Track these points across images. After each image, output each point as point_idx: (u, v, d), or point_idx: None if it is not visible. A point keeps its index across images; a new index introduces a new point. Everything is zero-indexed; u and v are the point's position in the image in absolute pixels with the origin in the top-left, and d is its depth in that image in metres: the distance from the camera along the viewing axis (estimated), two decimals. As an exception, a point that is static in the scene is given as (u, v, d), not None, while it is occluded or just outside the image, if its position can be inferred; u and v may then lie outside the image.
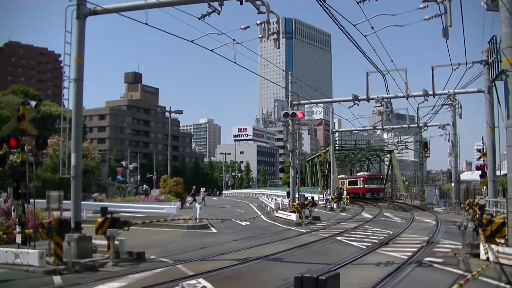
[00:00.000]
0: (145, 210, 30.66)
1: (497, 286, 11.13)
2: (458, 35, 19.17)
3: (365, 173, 77.80)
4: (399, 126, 52.16)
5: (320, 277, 5.33)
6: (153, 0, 15.30)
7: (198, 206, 28.68)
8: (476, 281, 11.06)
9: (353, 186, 69.80)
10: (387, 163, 77.38)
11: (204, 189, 59.45)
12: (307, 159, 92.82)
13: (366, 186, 68.19)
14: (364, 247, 17.75)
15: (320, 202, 45.15)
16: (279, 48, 16.70)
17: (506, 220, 12.86)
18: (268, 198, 45.85)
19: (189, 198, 48.72)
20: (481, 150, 32.88)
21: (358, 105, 32.47)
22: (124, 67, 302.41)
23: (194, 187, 51.25)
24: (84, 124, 62.37)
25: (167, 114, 67.18)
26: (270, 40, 15.47)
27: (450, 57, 24.62)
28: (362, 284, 11.00)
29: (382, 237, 20.78)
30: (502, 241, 12.98)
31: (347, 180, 74.27)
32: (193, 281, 11.52)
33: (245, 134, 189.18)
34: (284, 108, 65.10)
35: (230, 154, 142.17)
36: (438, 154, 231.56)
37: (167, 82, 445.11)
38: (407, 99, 30.83)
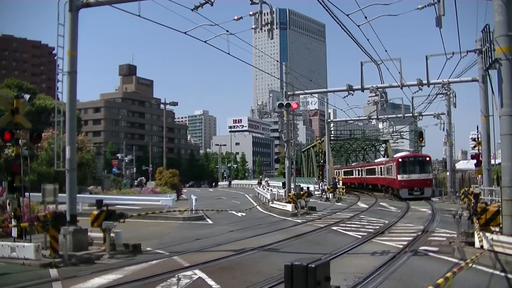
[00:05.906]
0: (141, 202, 30.74)
1: (492, 274, 11.19)
2: (452, 24, 19.20)
3: (399, 154, 51.18)
4: (394, 115, 51.98)
5: (309, 265, 5.36)
6: (145, -9, 15.22)
7: (193, 197, 28.71)
8: (471, 269, 11.13)
9: (389, 177, 47.04)
10: (382, 152, 76.41)
11: (267, 178, 76.60)
12: (302, 150, 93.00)
13: (398, 176, 42.93)
14: (360, 236, 17.83)
15: (316, 192, 45.26)
16: (272, 39, 16.73)
17: (500, 209, 12.92)
18: (263, 189, 45.98)
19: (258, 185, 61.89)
20: (476, 139, 32.96)
21: (352, 95, 32.41)
22: (118, 59, 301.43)
23: (264, 176, 75.24)
24: (78, 117, 62.16)
25: (162, 106, 67.07)
26: (264, 31, 15.43)
27: (444, 46, 24.69)
28: (357, 274, 11.04)
29: (377, 227, 20.87)
30: (497, 229, 13.05)
31: (385, 166, 49.46)
32: (189, 272, 11.56)
33: (241, 125, 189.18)
34: (279, 99, 65.09)
35: (225, 145, 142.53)
36: (433, 143, 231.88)
37: (162, 74, 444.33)
38: (402, 88, 30.86)
